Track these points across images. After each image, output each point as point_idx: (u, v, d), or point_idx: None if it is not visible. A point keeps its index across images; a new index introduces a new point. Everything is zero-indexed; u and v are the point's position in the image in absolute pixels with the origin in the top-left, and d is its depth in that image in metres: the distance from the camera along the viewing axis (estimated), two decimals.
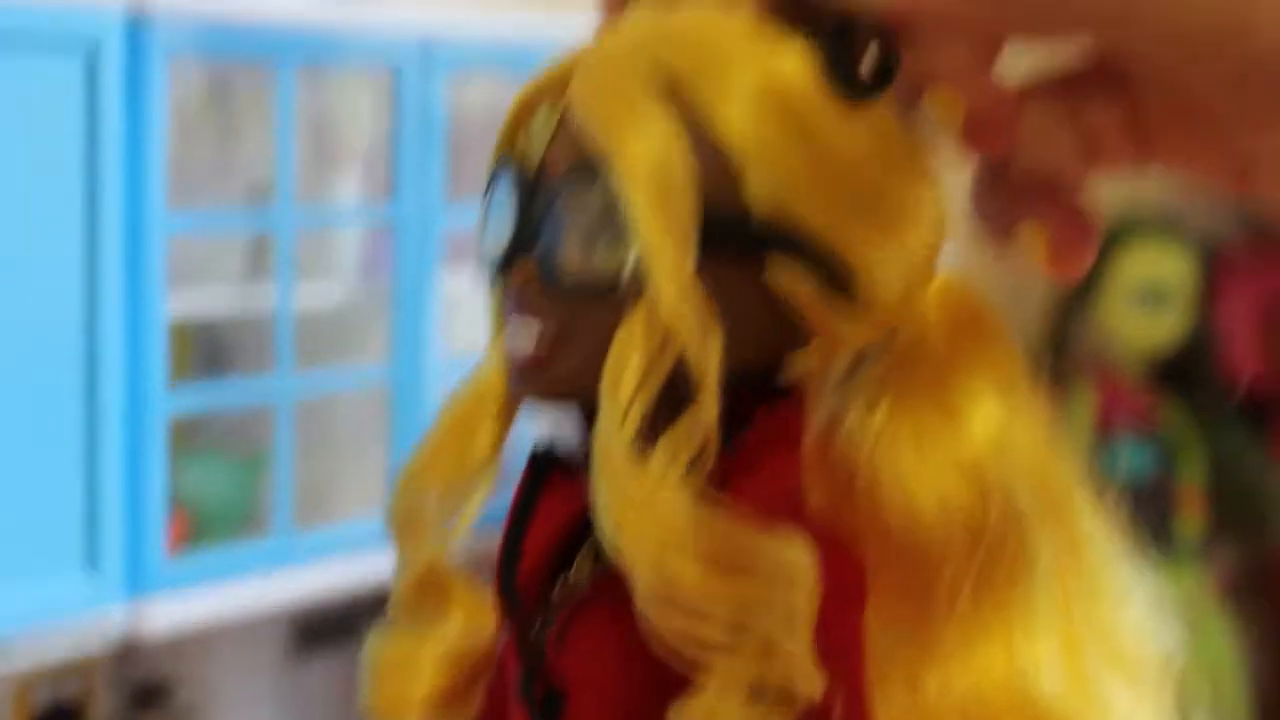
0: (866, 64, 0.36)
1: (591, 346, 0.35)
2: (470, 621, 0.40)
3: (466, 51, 0.89)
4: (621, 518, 0.33)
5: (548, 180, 0.37)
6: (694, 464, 0.34)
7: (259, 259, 0.88)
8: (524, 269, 0.36)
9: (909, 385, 0.38)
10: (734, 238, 0.35)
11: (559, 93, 0.39)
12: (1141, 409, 1.55)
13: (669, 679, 0.33)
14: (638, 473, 0.33)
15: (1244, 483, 1.59)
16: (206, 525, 0.87)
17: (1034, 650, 0.37)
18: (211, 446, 0.91)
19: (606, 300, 0.34)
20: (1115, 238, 1.57)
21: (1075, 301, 1.58)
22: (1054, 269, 0.39)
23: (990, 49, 0.42)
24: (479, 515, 0.39)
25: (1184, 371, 1.59)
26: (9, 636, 0.75)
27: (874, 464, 0.37)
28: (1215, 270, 1.67)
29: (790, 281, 0.35)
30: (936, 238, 0.38)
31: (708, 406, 0.34)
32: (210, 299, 0.84)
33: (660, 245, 0.34)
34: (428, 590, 0.39)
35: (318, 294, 0.87)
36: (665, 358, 0.34)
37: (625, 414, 0.33)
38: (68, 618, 0.77)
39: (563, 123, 0.37)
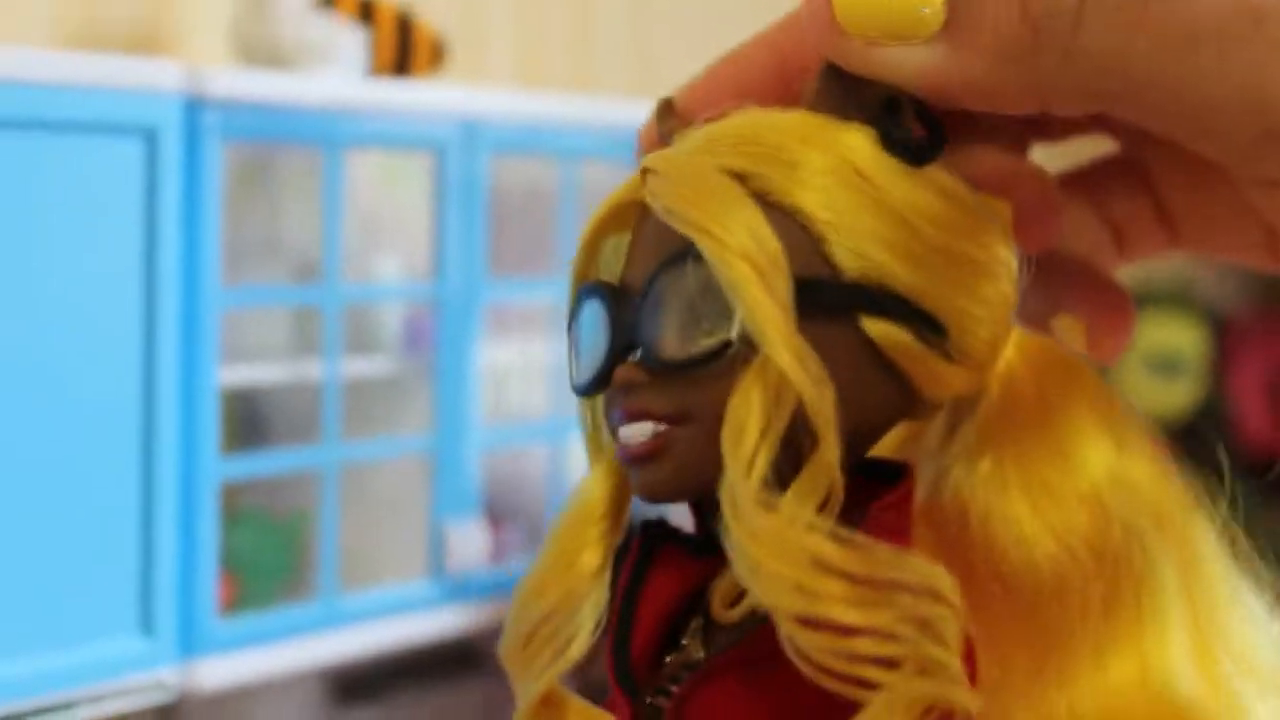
0: (917, 129, 0.38)
1: (707, 424, 0.36)
2: None
3: (509, 132, 0.92)
4: (758, 555, 0.34)
5: (635, 287, 0.38)
6: (822, 508, 0.35)
7: (304, 333, 0.91)
8: (626, 369, 0.38)
9: (1010, 432, 0.39)
10: (827, 297, 0.36)
11: (624, 221, 0.40)
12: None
13: None
14: (769, 516, 0.34)
15: (1257, 548, 1.59)
16: (253, 589, 0.89)
17: (1168, 657, 0.37)
18: (256, 511, 0.93)
19: (715, 375, 0.36)
20: None
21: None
22: (1094, 354, 0.40)
23: (1021, 134, 0.43)
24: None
25: (1196, 437, 1.60)
26: (64, 698, 0.77)
27: (985, 512, 0.38)
28: (1226, 338, 1.69)
29: (887, 334, 0.37)
30: (1014, 291, 0.39)
31: (829, 449, 0.35)
32: (258, 371, 0.87)
33: (763, 304, 0.35)
34: (544, 715, 0.40)
35: (362, 366, 0.90)
36: (783, 410, 0.35)
37: (750, 465, 0.34)
38: (121, 679, 0.79)
39: (636, 241, 0.39)
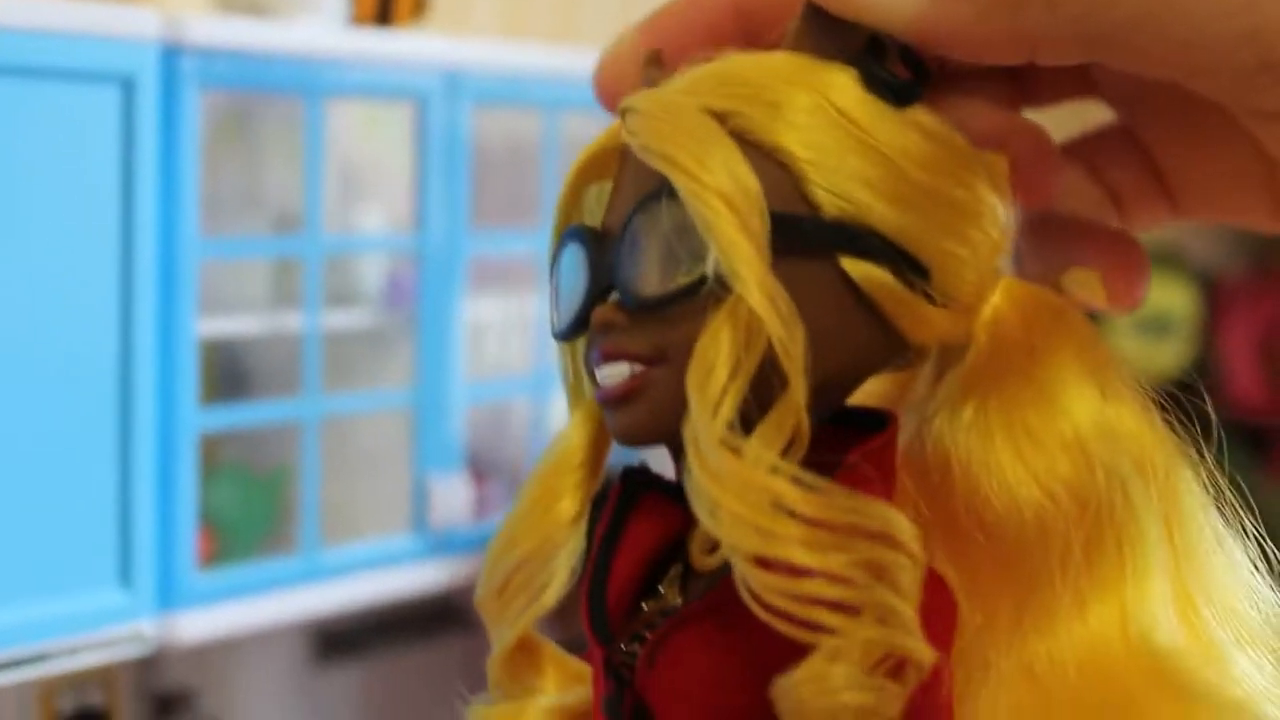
0: (900, 70, 0.37)
1: (683, 363, 0.35)
2: (563, 687, 0.40)
3: (491, 83, 0.91)
4: (718, 496, 0.33)
5: (615, 230, 0.37)
6: (787, 451, 0.34)
7: (285, 285, 0.91)
8: (604, 310, 0.37)
9: (994, 377, 0.38)
10: (805, 236, 0.35)
11: (607, 168, 0.40)
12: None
13: (761, 702, 0.34)
14: (731, 458, 0.33)
15: (1246, 505, 1.60)
16: (233, 542, 0.89)
17: (1148, 606, 0.36)
18: (237, 465, 0.93)
19: (689, 314, 0.35)
20: None
21: None
22: (1113, 304, 0.39)
23: (1011, 98, 0.43)
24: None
25: (1186, 398, 1.60)
26: (43, 648, 0.77)
27: (967, 457, 0.37)
28: (1215, 299, 1.69)
29: (867, 274, 0.36)
30: (1001, 236, 0.39)
31: (797, 391, 0.34)
32: (238, 324, 0.86)
33: (736, 242, 0.34)
34: (520, 661, 0.40)
35: (343, 319, 0.90)
36: (753, 350, 0.34)
37: (717, 405, 0.34)
38: (100, 630, 0.79)
39: (617, 186, 0.39)
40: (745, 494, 0.33)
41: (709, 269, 0.34)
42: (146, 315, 0.79)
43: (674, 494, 0.39)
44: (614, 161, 0.39)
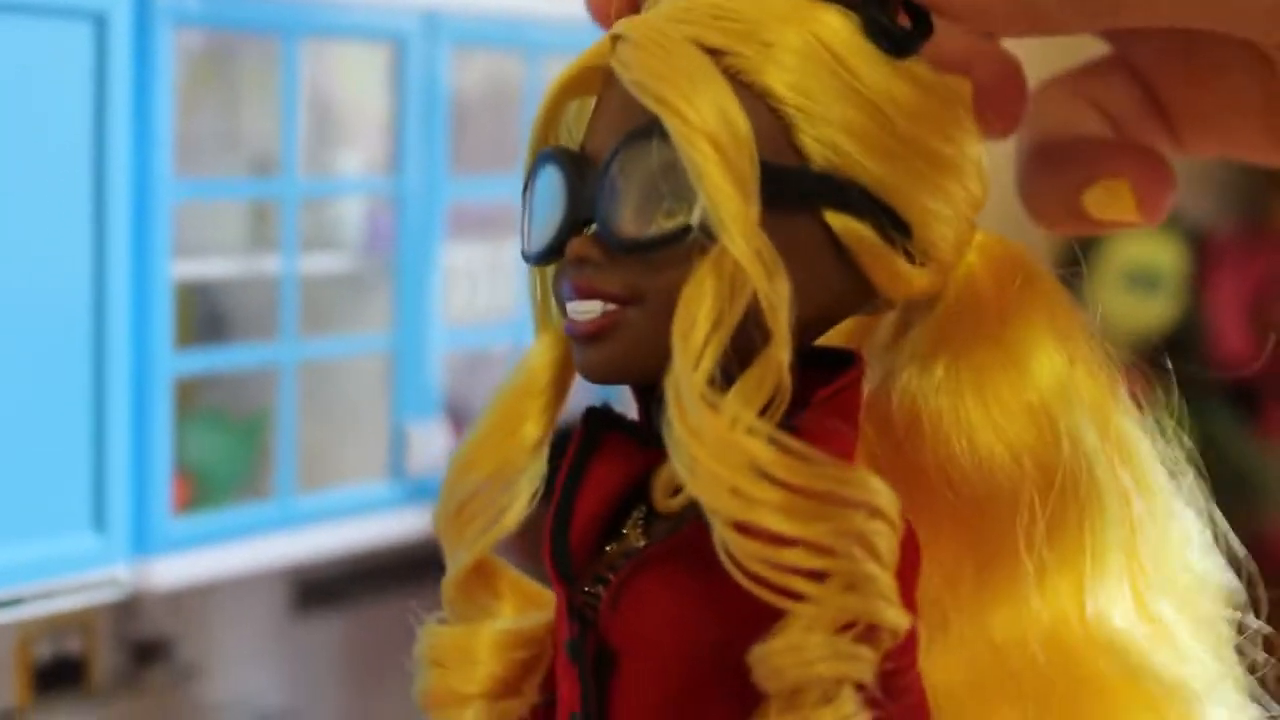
0: (901, 18, 0.37)
1: (658, 312, 0.35)
2: (520, 611, 0.40)
3: (471, 25, 0.90)
4: (697, 453, 0.33)
5: (595, 160, 0.37)
6: (768, 408, 0.34)
7: (261, 229, 0.90)
8: (581, 243, 0.36)
9: (965, 337, 0.38)
10: (792, 187, 0.35)
11: (589, 86, 0.39)
12: (1132, 391, 1.56)
13: (725, 644, 0.34)
14: (711, 414, 0.33)
15: (1233, 464, 1.60)
16: (209, 488, 0.88)
17: (1106, 586, 0.37)
18: (214, 411, 0.92)
19: (671, 259, 0.35)
20: None
21: (1064, 284, 1.59)
22: (1144, 214, 0.39)
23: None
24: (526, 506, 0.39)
25: (1173, 354, 1.60)
26: (16, 593, 0.77)
27: (938, 416, 0.37)
28: (1205, 255, 1.69)
29: (849, 229, 0.36)
30: (981, 191, 0.39)
31: (779, 347, 0.34)
32: (214, 266, 0.85)
33: (725, 193, 0.34)
34: (476, 584, 0.40)
35: (321, 263, 0.89)
36: (737, 303, 0.34)
37: (698, 358, 0.33)
38: (74, 575, 0.78)
39: (600, 109, 0.38)
40: (724, 454, 0.33)
41: (695, 217, 0.34)
42: (120, 257, 0.78)
43: (637, 435, 0.39)
44: (598, 80, 0.38)
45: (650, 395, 0.38)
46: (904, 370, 0.38)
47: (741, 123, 0.34)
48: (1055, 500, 0.37)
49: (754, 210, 0.34)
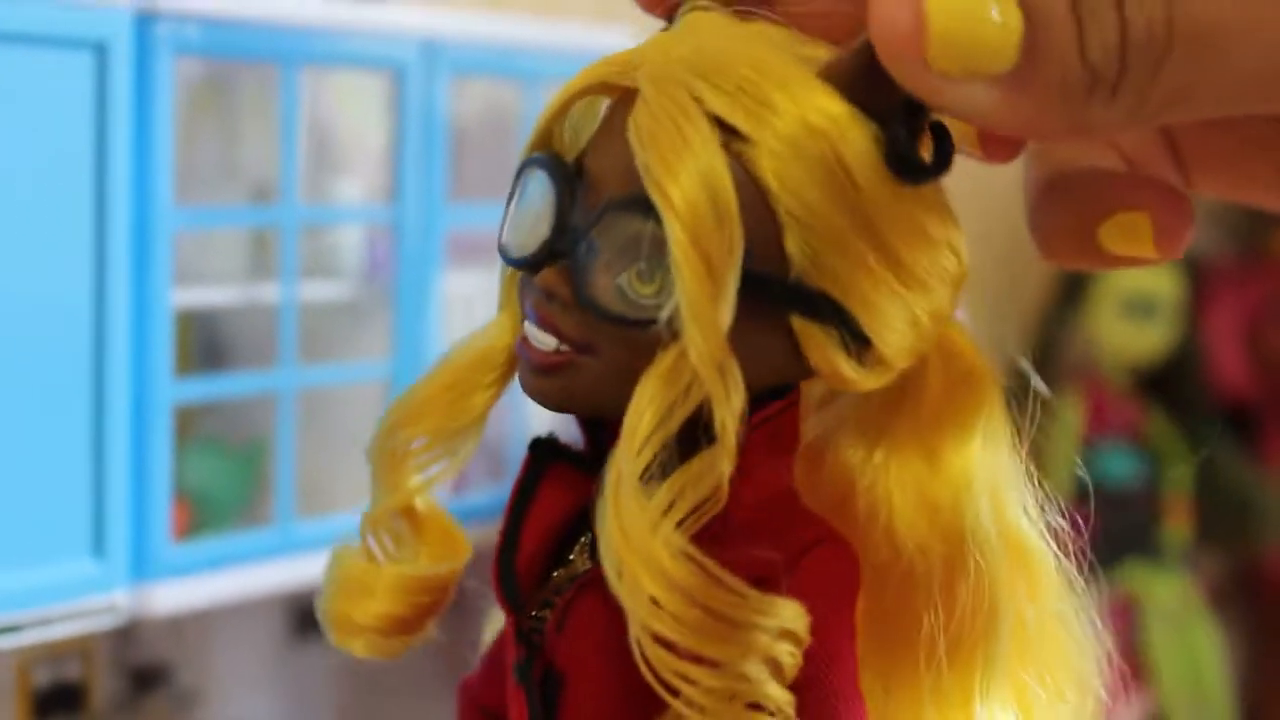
0: (925, 144, 0.35)
1: (608, 370, 0.36)
2: (434, 557, 0.41)
3: (470, 54, 0.90)
4: (622, 560, 0.34)
5: (591, 188, 0.37)
6: (700, 509, 0.34)
7: (261, 257, 0.90)
8: (554, 276, 0.37)
9: (901, 428, 0.39)
10: (767, 294, 0.35)
11: (599, 90, 0.39)
12: (1129, 418, 1.57)
13: None
14: (641, 508, 0.34)
15: (1229, 490, 1.61)
16: (208, 514, 0.89)
17: (995, 698, 0.39)
18: (213, 438, 0.93)
19: (633, 333, 0.35)
20: None
21: (1064, 311, 1.60)
22: (1161, 249, 0.39)
23: None
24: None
25: (1171, 381, 1.61)
26: (15, 620, 0.77)
27: (872, 496, 0.38)
28: (1201, 282, 1.69)
29: (810, 335, 0.36)
30: (957, 301, 0.39)
31: (724, 460, 0.34)
32: (213, 294, 0.86)
33: (699, 298, 0.34)
34: (399, 521, 0.41)
35: (320, 291, 0.89)
36: (687, 404, 0.34)
37: (640, 449, 0.34)
38: (73, 602, 0.78)
39: (609, 130, 0.38)
40: (647, 563, 0.33)
41: (665, 313, 0.34)
42: (121, 284, 0.78)
43: (582, 464, 0.39)
44: (614, 91, 0.38)
45: (593, 427, 0.38)
46: (843, 443, 0.39)
47: (736, 234, 0.34)
48: (959, 622, 0.38)
49: (725, 318, 0.34)
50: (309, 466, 0.90)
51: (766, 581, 0.34)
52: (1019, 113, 0.33)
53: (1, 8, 0.72)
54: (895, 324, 0.36)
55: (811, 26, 0.38)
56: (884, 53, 0.32)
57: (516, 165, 0.40)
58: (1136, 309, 1.58)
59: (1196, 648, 1.50)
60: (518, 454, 0.42)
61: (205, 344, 0.94)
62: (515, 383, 0.96)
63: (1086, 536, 0.41)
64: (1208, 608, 1.56)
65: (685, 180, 0.34)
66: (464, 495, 0.94)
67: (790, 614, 0.34)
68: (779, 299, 0.35)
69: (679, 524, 0.34)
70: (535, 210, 0.38)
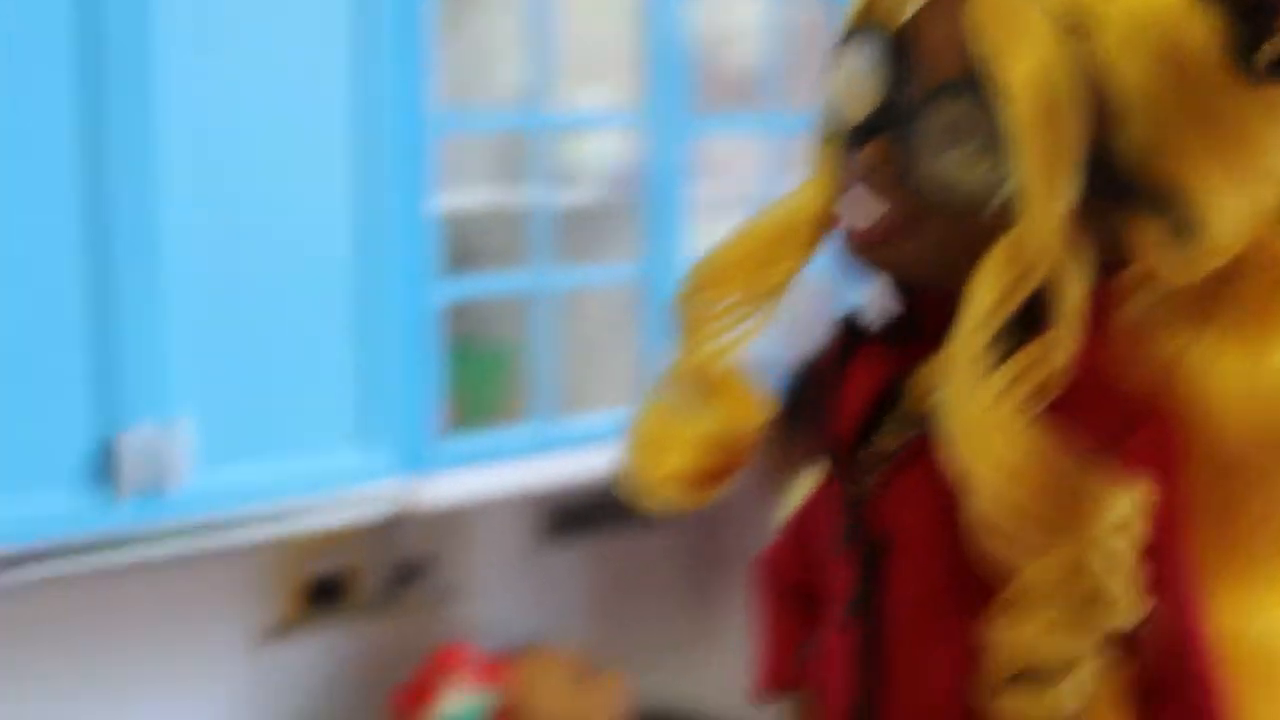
0: (1271, 51, 0.34)
1: (932, 249, 0.36)
2: (735, 414, 0.42)
3: None
4: (964, 440, 0.34)
5: (920, 65, 0.36)
6: (1038, 392, 0.34)
7: (505, 164, 0.93)
8: (881, 149, 0.37)
9: (1227, 315, 0.38)
10: (1099, 180, 0.35)
11: None
12: None
13: None
14: (980, 388, 0.34)
15: None
16: (469, 411, 0.91)
17: None
18: (462, 339, 0.95)
19: (959, 213, 0.35)
20: None
21: None
22: None
23: None
24: None
25: None
26: (290, 507, 0.80)
27: (1194, 382, 0.38)
28: None
29: (1139, 228, 0.36)
30: None
31: (1064, 344, 0.34)
32: (466, 198, 0.88)
33: (1038, 182, 0.34)
34: (701, 379, 0.42)
35: (571, 196, 0.91)
36: (1024, 287, 0.35)
37: (978, 328, 0.34)
38: (343, 490, 0.82)
39: (939, 5, 0.36)
40: (987, 445, 0.34)
41: (1000, 196, 0.34)
42: (387, 187, 0.81)
43: (891, 339, 0.40)
44: None
45: (911, 290, 0.39)
46: (1159, 325, 0.38)
47: (1074, 115, 0.34)
48: None
49: (1064, 204, 0.34)
50: (562, 367, 0.92)
51: (1096, 464, 0.34)
52: None
53: None
54: (1228, 214, 0.36)
55: None
56: None
57: (840, 34, 0.40)
58: None
59: None
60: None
61: (457, 247, 0.96)
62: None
63: None
64: None
65: (1027, 66, 0.34)
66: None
67: (1128, 505, 0.34)
68: (1112, 188, 0.35)
69: (1018, 407, 0.34)
70: (861, 84, 0.38)
